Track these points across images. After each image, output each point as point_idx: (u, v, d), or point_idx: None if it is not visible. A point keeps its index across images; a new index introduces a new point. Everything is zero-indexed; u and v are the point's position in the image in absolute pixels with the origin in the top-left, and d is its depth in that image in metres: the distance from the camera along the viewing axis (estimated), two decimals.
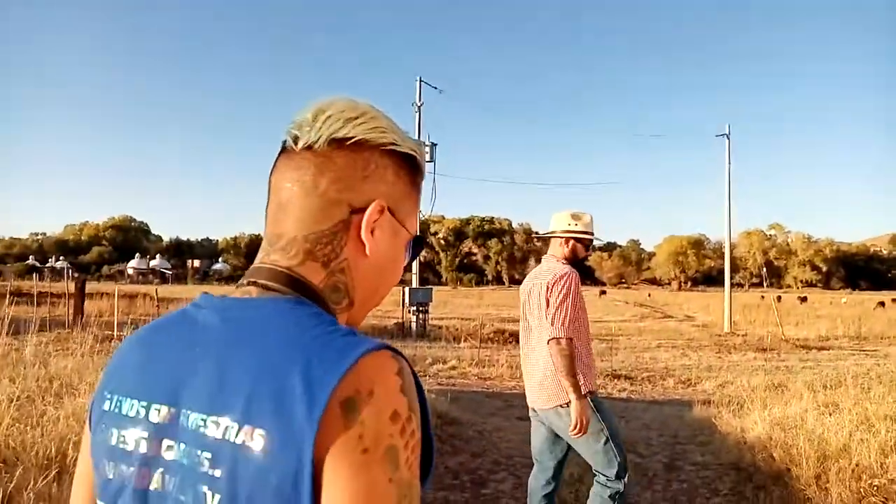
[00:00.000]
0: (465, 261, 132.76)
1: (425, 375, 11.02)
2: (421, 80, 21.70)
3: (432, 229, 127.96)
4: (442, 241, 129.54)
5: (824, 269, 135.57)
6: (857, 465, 4.02)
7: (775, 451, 4.60)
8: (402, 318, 18.80)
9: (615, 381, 11.02)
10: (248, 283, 0.75)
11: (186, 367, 0.69)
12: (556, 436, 3.32)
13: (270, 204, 0.78)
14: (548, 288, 3.21)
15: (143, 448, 0.68)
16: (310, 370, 0.62)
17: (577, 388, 3.02)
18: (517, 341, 15.04)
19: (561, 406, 3.16)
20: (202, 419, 0.65)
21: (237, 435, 0.62)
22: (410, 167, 0.81)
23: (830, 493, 3.74)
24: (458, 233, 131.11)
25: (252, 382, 0.63)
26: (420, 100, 21.36)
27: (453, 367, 11.82)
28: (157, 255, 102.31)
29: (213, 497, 0.63)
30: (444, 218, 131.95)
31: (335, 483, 0.59)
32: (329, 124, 0.75)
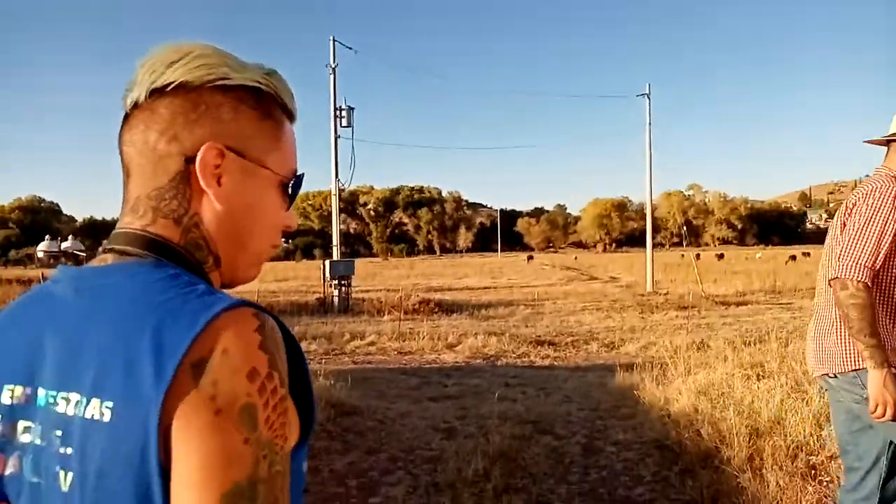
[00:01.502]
0: (396, 231, 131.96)
1: (342, 353, 10.34)
2: (334, 40, 20.52)
3: (361, 200, 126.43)
4: (371, 213, 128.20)
5: (739, 226, 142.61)
6: (791, 442, 3.59)
7: (703, 427, 4.14)
8: (324, 292, 17.95)
9: (539, 347, 10.63)
10: (105, 251, 0.72)
11: (40, 344, 0.66)
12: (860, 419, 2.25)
13: (122, 170, 0.75)
14: (848, 208, 2.22)
15: None
16: (160, 335, 0.60)
17: (876, 350, 2.08)
18: (443, 311, 14.55)
19: (830, 375, 2.25)
20: (53, 396, 0.63)
21: (86, 409, 0.60)
22: (256, 99, 0.74)
23: (766, 479, 3.27)
24: (388, 203, 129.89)
25: (101, 353, 0.61)
26: (334, 61, 20.12)
27: (372, 343, 11.14)
28: (70, 237, 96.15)
29: (65, 476, 0.61)
30: (373, 188, 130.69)
31: (186, 447, 0.57)
32: (149, 75, 0.71)
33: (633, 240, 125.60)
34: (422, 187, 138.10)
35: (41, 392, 0.64)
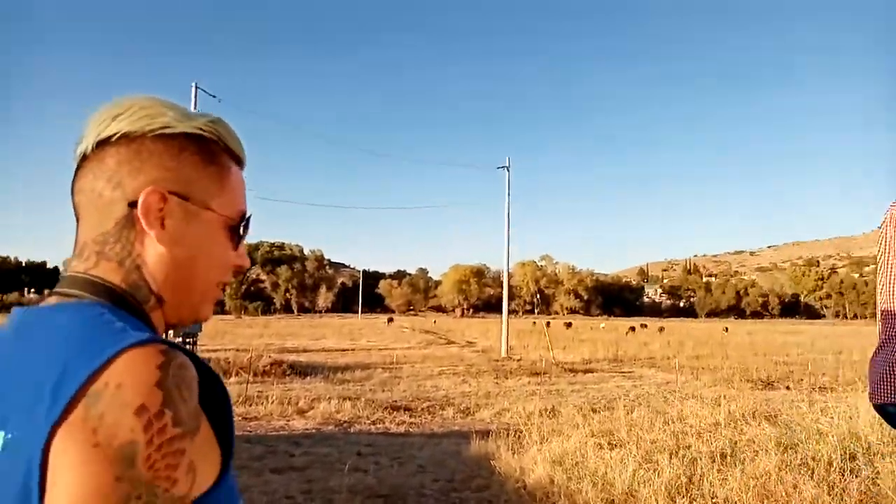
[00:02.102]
0: (252, 288, 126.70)
1: None
2: (197, 87, 20.03)
3: None
4: None
5: (586, 297, 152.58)
6: None
7: (559, 500, 4.04)
8: None
9: (395, 413, 10.30)
10: (50, 294, 0.74)
11: None
12: None
13: (74, 218, 0.77)
14: None
15: None
16: (65, 368, 0.60)
17: None
18: (297, 373, 13.85)
19: None
20: None
21: None
22: (199, 146, 0.77)
23: None
24: None
25: (14, 387, 0.62)
26: (195, 108, 19.45)
27: None
28: None
29: None
30: None
31: (59, 478, 0.56)
32: (95, 126, 0.75)
33: (490, 306, 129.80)
34: (282, 244, 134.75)
35: None
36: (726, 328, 57.42)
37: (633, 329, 46.15)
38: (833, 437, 4.11)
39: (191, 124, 0.76)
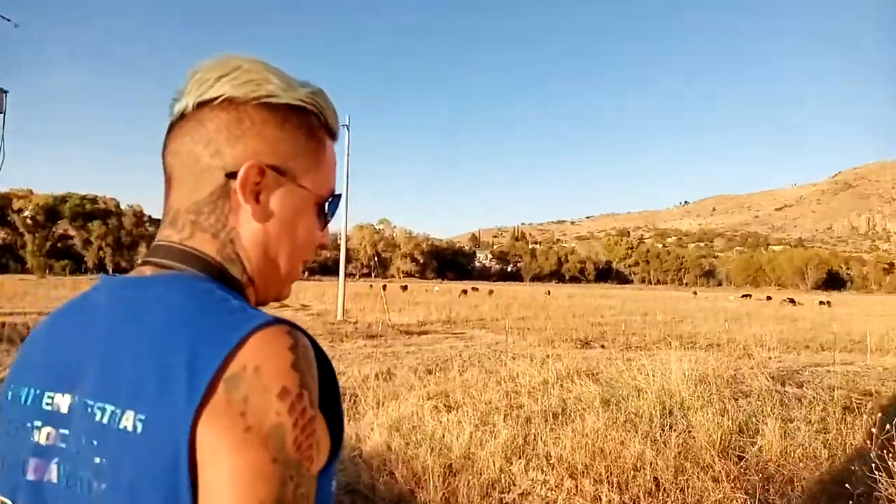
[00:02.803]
0: (59, 245, 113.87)
1: None
2: None
3: (15, 206, 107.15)
4: (28, 221, 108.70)
5: (421, 260, 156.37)
6: (484, 477, 3.56)
7: (397, 468, 3.92)
8: None
9: None
10: (143, 263, 0.73)
11: (78, 351, 0.66)
12: None
13: (164, 179, 0.75)
14: None
15: (37, 438, 0.66)
16: (194, 350, 0.60)
17: None
18: None
19: None
20: (90, 405, 0.63)
21: (120, 420, 0.60)
22: (301, 119, 0.75)
23: None
24: (51, 211, 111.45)
25: (138, 365, 0.61)
26: None
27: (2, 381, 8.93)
28: None
29: (98, 485, 0.61)
30: (31, 193, 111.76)
31: (214, 463, 0.57)
32: (197, 86, 0.72)
33: (326, 268, 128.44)
34: (95, 197, 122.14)
35: (80, 401, 0.63)
36: (548, 291, 61.70)
37: (465, 292, 47.91)
38: (651, 393, 4.40)
39: (294, 95, 0.73)
